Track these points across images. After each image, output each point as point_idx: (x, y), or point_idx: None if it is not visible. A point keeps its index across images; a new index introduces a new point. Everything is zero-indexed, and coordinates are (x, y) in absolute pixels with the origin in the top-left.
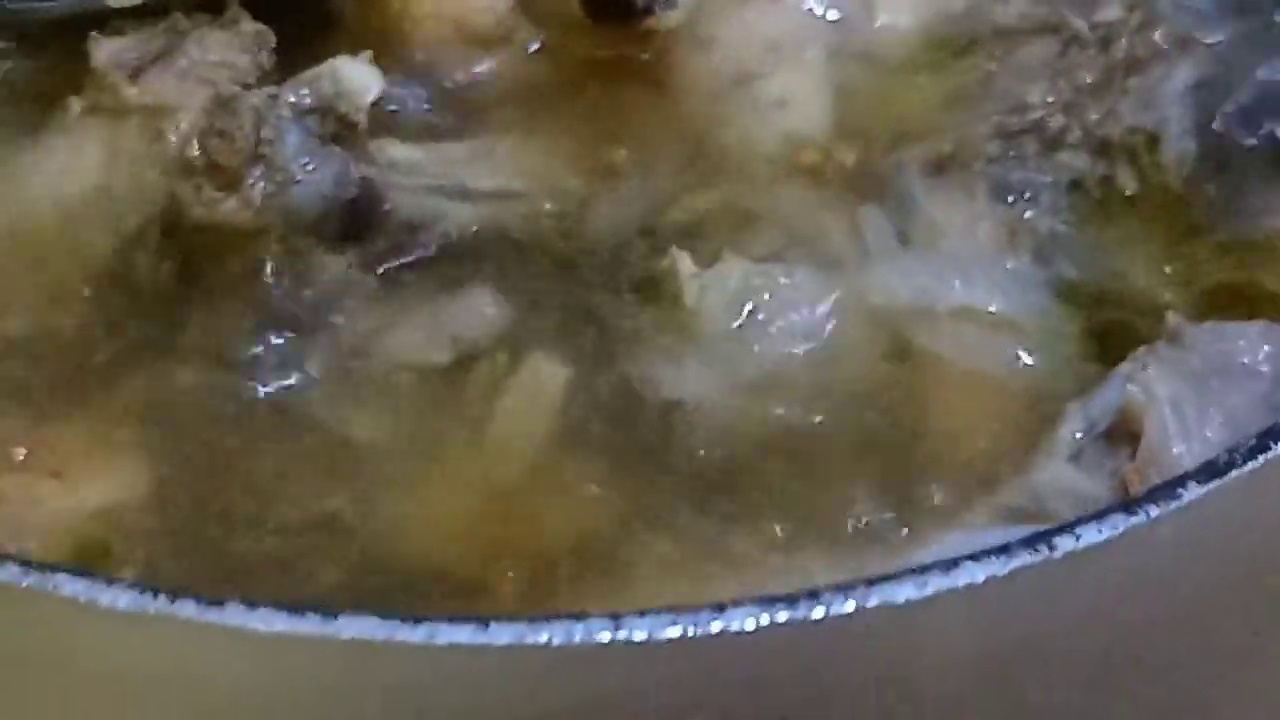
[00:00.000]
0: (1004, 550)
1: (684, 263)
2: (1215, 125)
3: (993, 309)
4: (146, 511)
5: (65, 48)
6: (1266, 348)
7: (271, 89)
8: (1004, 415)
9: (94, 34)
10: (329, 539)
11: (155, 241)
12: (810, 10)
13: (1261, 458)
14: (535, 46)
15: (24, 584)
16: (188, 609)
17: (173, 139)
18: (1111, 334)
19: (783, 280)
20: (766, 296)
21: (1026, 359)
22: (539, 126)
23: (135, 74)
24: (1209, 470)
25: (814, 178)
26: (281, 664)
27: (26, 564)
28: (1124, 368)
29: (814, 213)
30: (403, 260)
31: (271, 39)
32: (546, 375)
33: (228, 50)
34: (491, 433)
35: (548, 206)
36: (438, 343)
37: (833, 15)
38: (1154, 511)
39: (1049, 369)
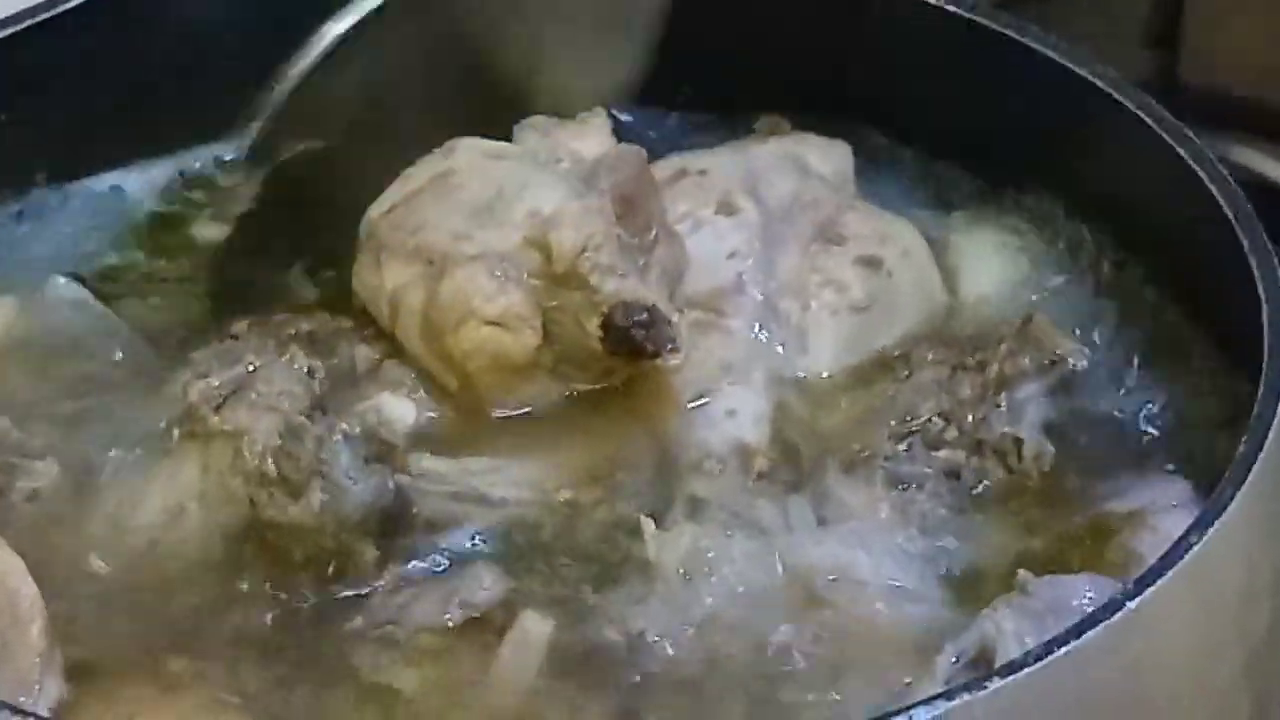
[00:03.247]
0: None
1: (648, 526)
2: None
3: (887, 574)
4: None
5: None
6: (1089, 593)
7: (330, 419)
8: (896, 654)
9: (187, 377)
10: None
11: (239, 535)
12: (757, 339)
13: (1040, 662)
14: (566, 394)
15: None
16: None
17: (248, 454)
18: (980, 588)
19: (723, 545)
20: (710, 555)
21: (914, 611)
22: (542, 447)
23: (218, 407)
24: (1007, 668)
25: (754, 475)
26: None
27: None
28: (985, 612)
29: (751, 499)
30: (426, 555)
31: (321, 370)
32: (534, 626)
33: (286, 383)
34: (494, 674)
35: (544, 511)
36: (450, 608)
37: (775, 345)
38: (966, 697)
39: (932, 618)
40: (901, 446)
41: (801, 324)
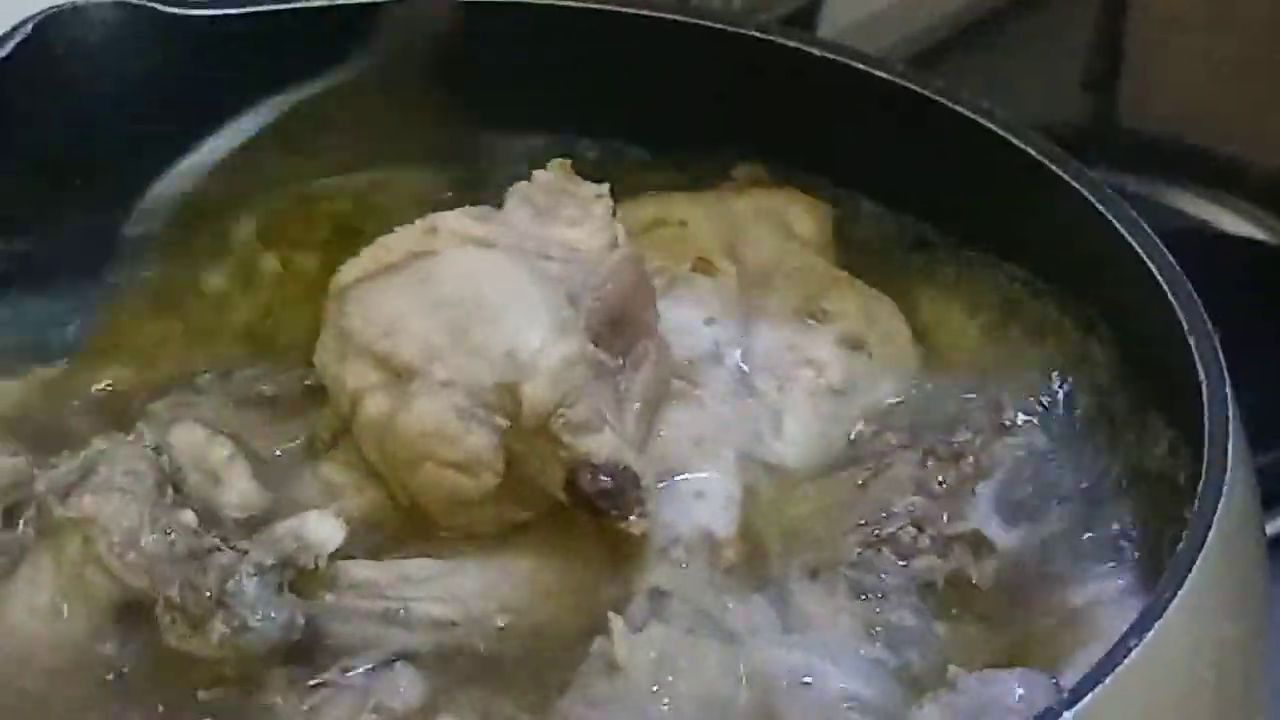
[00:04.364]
0: None
1: (617, 624)
2: None
3: (847, 686)
4: None
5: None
6: (1020, 690)
7: (244, 544)
8: None
9: (37, 471)
10: None
11: (116, 635)
12: (730, 414)
13: None
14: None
15: None
16: None
17: (100, 546)
18: None
19: (692, 651)
20: (681, 664)
21: None
22: (490, 548)
23: (63, 496)
24: None
25: (721, 569)
26: None
27: None
28: (912, 710)
29: (717, 595)
30: (335, 679)
31: (171, 447)
32: None
33: (131, 461)
34: None
35: (479, 629)
36: (364, 712)
37: (748, 424)
38: None
39: None
40: (869, 553)
41: (777, 404)
